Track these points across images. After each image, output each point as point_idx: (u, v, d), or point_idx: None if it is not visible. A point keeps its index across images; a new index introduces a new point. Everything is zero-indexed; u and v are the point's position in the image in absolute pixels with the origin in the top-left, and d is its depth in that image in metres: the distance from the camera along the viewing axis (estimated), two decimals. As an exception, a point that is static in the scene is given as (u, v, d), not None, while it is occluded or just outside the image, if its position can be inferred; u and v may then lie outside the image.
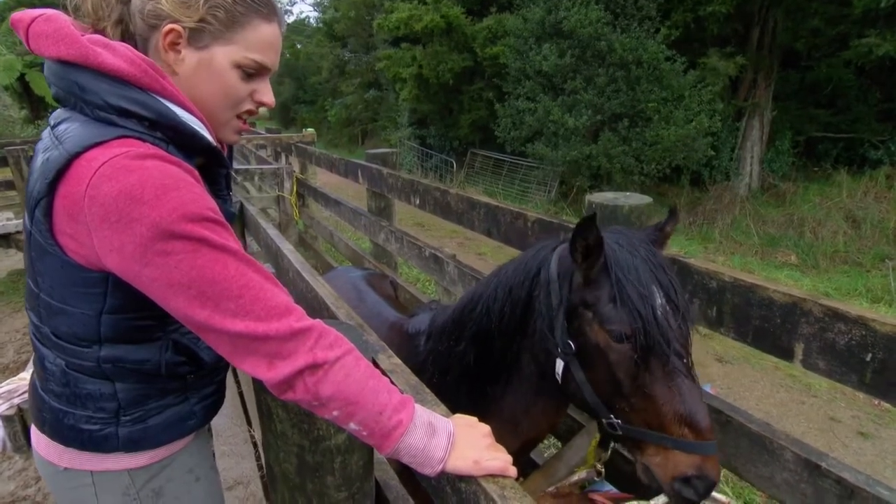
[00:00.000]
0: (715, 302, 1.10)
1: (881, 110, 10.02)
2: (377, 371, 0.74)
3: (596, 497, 1.03)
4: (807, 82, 10.72)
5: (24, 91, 13.47)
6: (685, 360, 0.87)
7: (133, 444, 0.83)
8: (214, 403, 0.96)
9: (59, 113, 0.75)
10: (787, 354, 0.99)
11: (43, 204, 0.68)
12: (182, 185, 0.66)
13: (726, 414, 1.11)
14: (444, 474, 0.70)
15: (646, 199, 1.36)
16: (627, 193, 1.41)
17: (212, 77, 0.77)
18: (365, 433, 0.71)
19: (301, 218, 4.79)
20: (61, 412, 0.81)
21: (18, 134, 12.98)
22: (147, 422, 0.83)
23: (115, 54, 0.71)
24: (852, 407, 3.74)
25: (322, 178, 5.87)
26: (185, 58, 0.75)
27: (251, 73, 0.79)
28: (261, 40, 0.78)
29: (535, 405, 1.09)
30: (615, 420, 0.89)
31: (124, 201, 0.63)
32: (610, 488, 1.13)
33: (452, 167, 12.99)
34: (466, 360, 1.11)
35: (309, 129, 5.76)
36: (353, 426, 0.71)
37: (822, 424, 3.54)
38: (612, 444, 1.02)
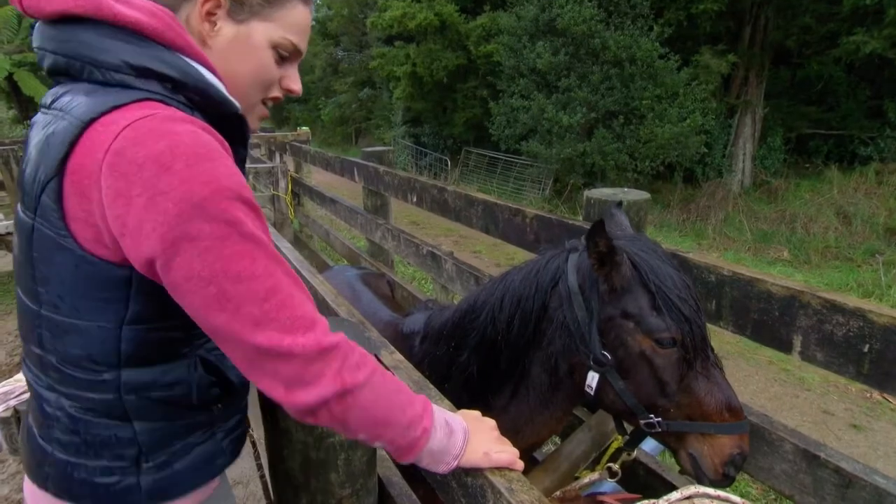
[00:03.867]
0: (714, 296, 1.11)
1: (870, 107, 10.12)
2: (400, 382, 0.68)
3: (605, 499, 1.03)
4: (797, 79, 10.81)
5: (12, 91, 13.29)
6: (714, 351, 0.93)
7: (158, 495, 0.70)
8: (240, 437, 0.83)
9: (55, 90, 0.65)
10: (785, 347, 1.00)
11: (52, 186, 0.58)
12: (216, 155, 0.57)
13: (725, 406, 1.12)
14: (455, 469, 0.70)
15: (644, 195, 1.37)
16: (625, 189, 1.42)
17: (247, 54, 0.69)
18: (390, 448, 0.66)
19: (296, 217, 4.77)
20: (70, 465, 0.68)
21: (7, 134, 12.82)
22: (173, 466, 0.71)
23: (131, 6, 0.62)
24: (845, 400, 3.78)
25: (317, 177, 5.85)
26: (222, 30, 0.68)
27: (285, 55, 0.73)
28: (298, 22, 0.72)
29: (541, 415, 1.08)
30: (655, 419, 0.91)
31: (150, 169, 0.53)
32: (616, 488, 1.14)
33: (447, 165, 12.98)
34: (470, 370, 1.10)
35: (303, 128, 5.72)
36: (378, 444, 0.66)
37: (816, 417, 3.58)
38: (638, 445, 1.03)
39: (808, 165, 10.17)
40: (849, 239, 7.79)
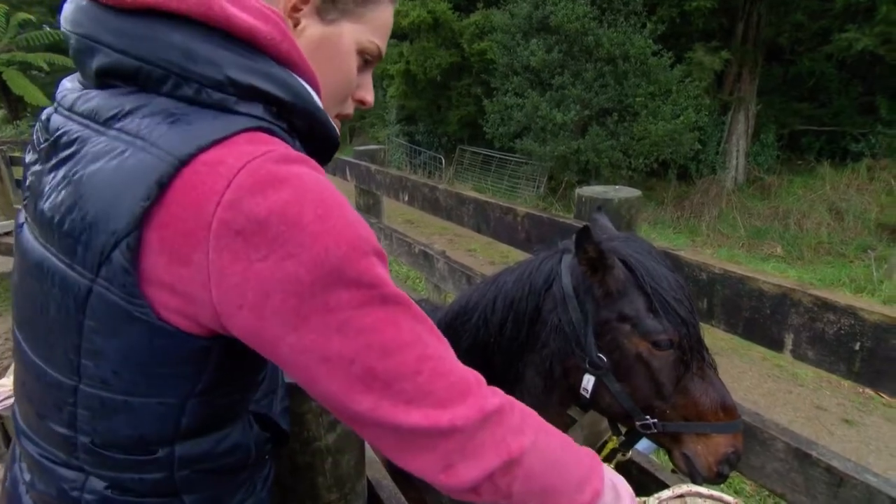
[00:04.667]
0: (705, 294, 1.10)
1: (862, 104, 10.19)
2: (566, 437, 0.60)
3: None
4: (790, 76, 10.87)
5: (1, 90, 13.15)
6: (709, 351, 0.92)
7: None
8: (270, 477, 0.74)
9: (109, 101, 0.49)
10: (777, 345, 1.00)
11: (129, 242, 0.44)
12: (343, 202, 0.47)
13: (717, 405, 1.12)
14: None
15: (635, 193, 1.36)
16: (617, 187, 1.41)
17: (335, 59, 0.59)
18: None
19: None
20: None
21: (-4, 134, 12.69)
22: None
23: (243, 6, 0.49)
24: (837, 395, 3.81)
25: (310, 176, 5.80)
26: (306, 29, 0.57)
27: (369, 60, 0.64)
28: (386, 24, 0.63)
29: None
30: (651, 420, 0.91)
31: (276, 226, 0.42)
32: None
33: (441, 164, 12.96)
34: None
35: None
36: None
37: (809, 413, 3.60)
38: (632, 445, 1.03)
39: (800, 162, 10.24)
40: (841, 235, 7.84)
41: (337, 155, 3.84)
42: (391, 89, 13.23)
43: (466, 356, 1.09)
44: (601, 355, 0.91)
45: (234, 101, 0.48)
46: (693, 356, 0.88)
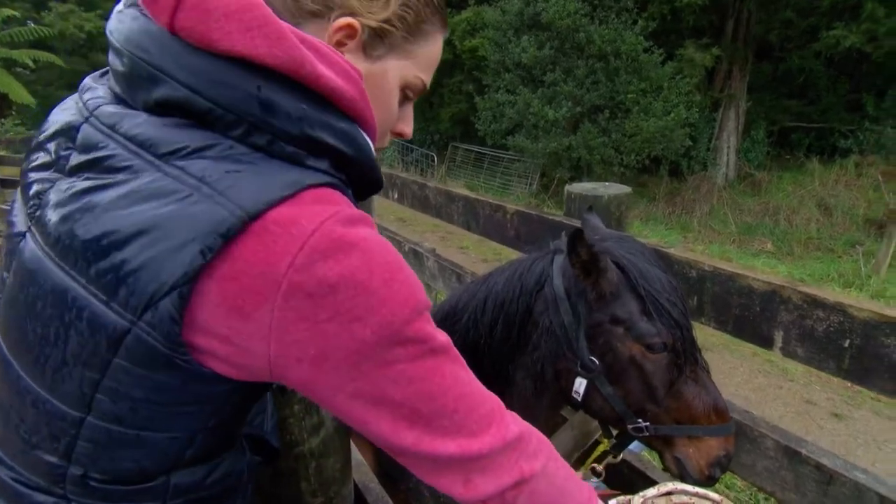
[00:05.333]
0: (695, 291, 1.09)
1: (849, 100, 10.30)
2: (571, 469, 0.65)
3: None
4: (779, 73, 10.96)
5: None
6: (701, 354, 0.91)
7: None
8: (251, 486, 0.73)
9: (166, 131, 0.46)
10: (766, 342, 0.99)
11: (182, 292, 0.43)
12: (402, 263, 0.49)
13: (707, 403, 1.11)
14: None
15: (625, 189, 1.35)
16: (606, 183, 1.40)
17: (377, 98, 0.57)
18: None
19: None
20: None
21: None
22: None
23: (328, 63, 0.49)
24: (826, 390, 3.84)
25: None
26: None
27: (410, 96, 0.62)
28: (434, 56, 0.61)
29: (530, 420, 1.06)
30: (643, 423, 0.90)
31: (345, 292, 0.44)
32: (600, 486, 1.12)
33: (434, 161, 12.93)
34: None
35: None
36: None
37: (799, 407, 3.63)
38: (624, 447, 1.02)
39: (790, 158, 10.33)
40: (830, 230, 7.92)
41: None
42: (383, 86, 13.15)
43: None
44: (593, 358, 0.90)
45: (305, 154, 0.48)
46: (686, 359, 0.88)
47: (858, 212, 8.11)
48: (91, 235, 0.44)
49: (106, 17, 0.55)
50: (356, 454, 1.06)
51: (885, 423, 3.45)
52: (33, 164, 0.53)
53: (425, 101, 13.28)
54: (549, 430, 1.16)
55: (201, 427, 0.52)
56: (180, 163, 0.45)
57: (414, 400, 0.50)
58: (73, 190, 0.47)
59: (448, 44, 11.79)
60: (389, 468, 1.10)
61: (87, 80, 0.56)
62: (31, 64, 12.81)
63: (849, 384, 3.83)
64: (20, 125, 12.32)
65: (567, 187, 1.42)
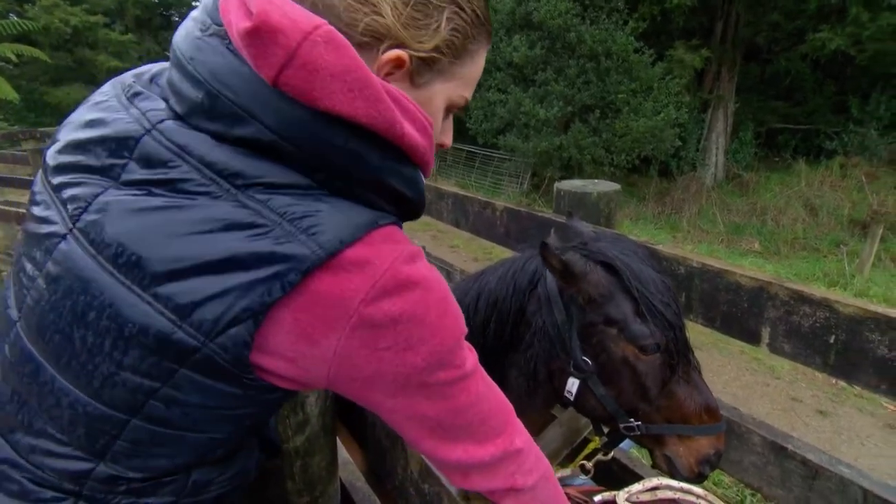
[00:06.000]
0: (683, 288, 1.09)
1: (835, 102, 10.47)
2: (562, 494, 0.69)
3: (568, 490, 1.02)
4: (767, 75, 11.10)
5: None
6: (693, 354, 0.91)
7: None
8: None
9: (245, 161, 0.47)
10: (753, 338, 0.99)
11: (257, 320, 0.45)
12: (451, 297, 0.54)
13: (695, 400, 1.11)
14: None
15: (614, 186, 1.35)
16: (595, 181, 1.40)
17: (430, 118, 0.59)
18: None
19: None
20: None
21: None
22: None
23: (410, 118, 0.51)
24: (812, 387, 3.90)
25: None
26: None
27: (453, 111, 0.63)
28: (479, 72, 0.61)
29: (522, 418, 1.06)
30: (635, 423, 0.90)
31: (405, 324, 0.48)
32: (584, 482, 1.12)
33: (425, 160, 12.90)
34: None
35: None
36: None
37: (785, 405, 3.68)
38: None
39: (777, 159, 10.47)
40: (816, 230, 8.04)
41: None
42: (374, 85, 13.09)
43: None
44: (586, 359, 0.89)
45: (376, 197, 0.51)
46: (679, 359, 0.88)
47: (843, 212, 8.25)
48: (165, 256, 0.45)
49: (174, 29, 0.53)
50: (343, 453, 1.05)
51: (868, 419, 3.51)
52: (73, 161, 0.51)
53: (417, 100, 13.24)
54: (539, 428, 1.16)
55: (238, 428, 0.56)
56: (261, 196, 0.46)
57: (443, 415, 0.55)
58: (140, 205, 0.46)
59: (440, 42, 11.80)
60: (376, 467, 1.08)
61: (136, 84, 0.54)
62: (13, 58, 12.55)
63: (834, 381, 3.89)
64: (2, 121, 12.08)
65: (556, 185, 1.42)
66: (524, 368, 0.97)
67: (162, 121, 0.49)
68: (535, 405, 1.01)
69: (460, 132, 12.11)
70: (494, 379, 1.03)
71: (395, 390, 0.51)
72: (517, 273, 0.98)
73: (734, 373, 4.10)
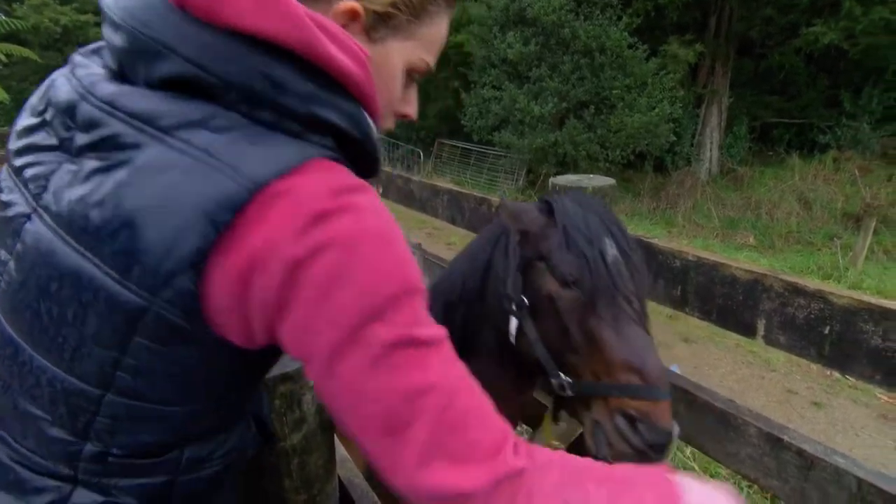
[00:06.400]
0: (679, 281, 1.10)
1: (828, 97, 10.51)
2: (622, 471, 0.52)
3: None
4: (761, 70, 11.13)
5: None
6: (634, 306, 0.84)
7: None
8: (235, 478, 0.70)
9: (169, 104, 0.45)
10: (749, 331, 1.00)
11: (198, 268, 0.43)
12: (399, 237, 0.47)
13: (692, 393, 1.12)
14: None
15: (609, 181, 1.35)
16: (591, 175, 1.40)
17: (381, 80, 0.56)
18: None
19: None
20: None
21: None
22: None
23: (339, 45, 0.48)
24: (807, 379, 3.93)
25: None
26: None
27: (415, 78, 0.61)
28: (439, 38, 0.60)
29: (501, 380, 1.05)
30: (565, 379, 0.86)
31: (332, 256, 0.43)
32: None
33: (420, 158, 12.88)
34: None
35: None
36: None
37: (780, 397, 3.70)
38: (561, 413, 1.02)
39: (771, 153, 10.51)
40: (809, 224, 8.09)
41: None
42: (368, 82, 13.05)
43: (439, 316, 1.09)
44: (524, 297, 0.90)
45: (310, 132, 0.48)
46: (598, 299, 0.82)
47: (836, 206, 8.30)
48: (104, 215, 0.44)
49: (84, 11, 0.53)
50: (341, 450, 1.04)
51: (862, 410, 3.54)
52: (30, 143, 0.51)
53: (411, 97, 13.21)
54: (520, 396, 1.15)
55: (218, 399, 0.53)
56: (185, 134, 0.44)
57: (389, 395, 0.44)
58: (84, 171, 0.46)
59: (434, 39, 11.77)
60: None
61: (77, 57, 0.54)
62: (3, 59, 12.42)
63: (828, 373, 3.92)
64: (-7, 121, 11.95)
65: (552, 179, 1.42)
66: (493, 321, 0.99)
67: (94, 83, 0.49)
68: (509, 364, 0.99)
69: (455, 129, 12.11)
70: (469, 334, 1.03)
71: (330, 346, 0.44)
72: (493, 227, 1.05)
73: (730, 366, 4.12)
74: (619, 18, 9.15)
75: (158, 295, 0.44)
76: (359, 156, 0.53)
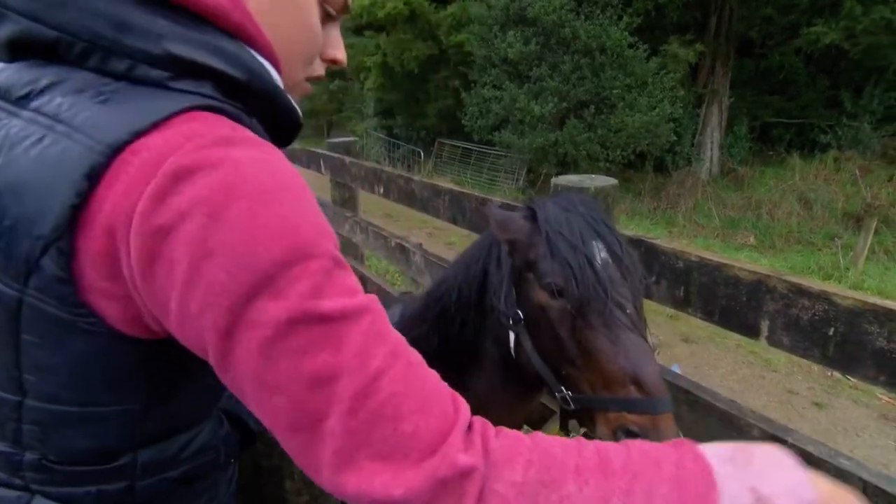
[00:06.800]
0: (682, 282, 1.09)
1: (828, 97, 10.50)
2: (626, 460, 0.42)
3: None
4: (761, 70, 11.12)
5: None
6: (628, 312, 0.80)
7: None
8: (234, 481, 0.67)
9: (20, 74, 0.42)
10: (752, 332, 0.99)
11: (60, 247, 0.38)
12: (292, 194, 0.40)
13: (694, 394, 1.11)
14: None
15: (611, 181, 1.34)
16: (593, 176, 1.39)
17: (293, 13, 0.50)
18: None
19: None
20: None
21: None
22: None
23: None
24: (808, 379, 3.92)
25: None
26: None
27: (332, 13, 0.55)
28: None
29: (506, 392, 1.05)
30: (566, 392, 0.83)
31: (197, 219, 0.36)
32: None
33: (420, 157, 12.87)
34: (431, 343, 1.06)
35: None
36: None
37: (781, 397, 3.70)
38: (569, 425, 1.01)
39: (771, 153, 10.50)
40: (810, 224, 8.08)
41: (313, 148, 3.75)
42: (368, 82, 13.06)
43: (434, 326, 1.05)
44: (519, 311, 0.88)
45: (175, 78, 0.41)
46: (588, 307, 0.79)
47: (837, 206, 8.29)
48: None
49: None
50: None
51: (862, 410, 3.53)
52: None
53: (411, 97, 13.21)
54: (526, 405, 1.14)
55: (151, 397, 0.47)
56: (34, 104, 0.40)
57: (292, 383, 0.37)
58: None
59: (433, 38, 11.78)
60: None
61: None
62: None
63: (829, 373, 3.91)
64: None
65: (553, 180, 1.41)
66: (493, 332, 0.96)
67: None
68: (511, 375, 0.97)
69: (455, 129, 12.10)
70: (469, 344, 1.01)
71: (214, 333, 0.37)
72: (487, 236, 1.01)
73: (731, 366, 4.12)
74: (620, 18, 9.14)
75: (28, 284, 0.39)
76: (263, 106, 0.47)
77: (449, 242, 6.86)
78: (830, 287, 0.89)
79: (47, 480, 0.48)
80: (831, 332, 0.88)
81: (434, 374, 0.44)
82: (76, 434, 0.46)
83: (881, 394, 3.63)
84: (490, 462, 0.39)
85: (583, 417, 0.84)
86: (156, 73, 0.41)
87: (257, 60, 0.46)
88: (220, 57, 0.43)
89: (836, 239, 7.35)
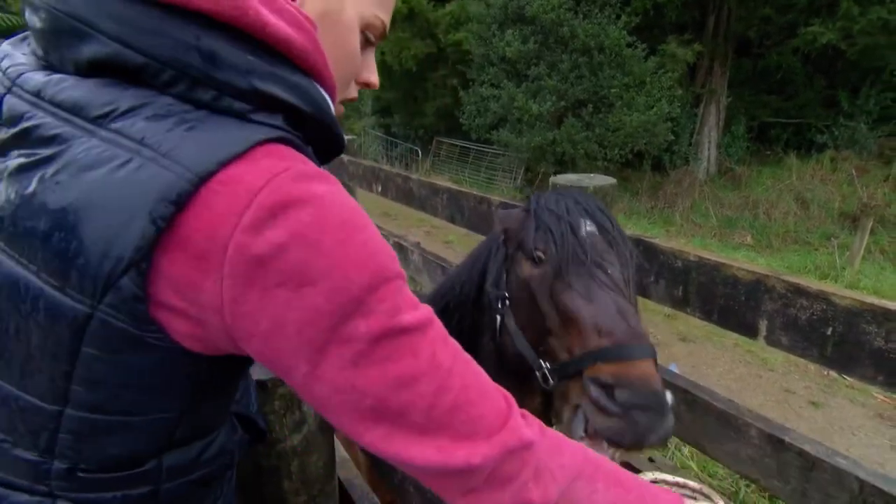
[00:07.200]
0: (681, 281, 1.09)
1: (825, 97, 10.54)
2: (636, 481, 0.52)
3: None
4: (759, 69, 11.15)
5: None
6: (610, 272, 0.80)
7: None
8: (233, 478, 0.69)
9: (97, 92, 0.42)
10: (751, 331, 0.99)
11: (140, 268, 0.39)
12: (366, 224, 0.44)
13: (692, 393, 1.12)
14: None
15: (610, 181, 1.34)
16: (591, 175, 1.39)
17: (338, 38, 0.53)
18: None
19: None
20: None
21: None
22: None
23: (276, 10, 0.44)
24: (805, 379, 3.94)
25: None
26: (305, 4, 0.50)
27: (371, 40, 0.58)
28: None
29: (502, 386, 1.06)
30: (546, 367, 0.82)
31: (294, 251, 0.39)
32: None
33: (418, 156, 12.86)
34: None
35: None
36: None
37: (778, 396, 3.72)
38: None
39: (769, 153, 10.53)
40: (807, 223, 8.11)
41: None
42: (366, 80, 13.02)
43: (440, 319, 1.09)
44: (506, 293, 0.91)
45: (255, 110, 0.44)
46: (569, 269, 0.80)
47: (833, 205, 8.32)
48: (34, 217, 0.41)
49: None
50: (340, 451, 1.04)
51: (859, 410, 3.55)
52: None
53: (409, 96, 13.19)
54: (522, 402, 1.15)
55: (188, 406, 0.50)
56: (115, 125, 0.40)
57: (379, 387, 0.42)
58: (8, 170, 0.42)
59: (432, 37, 11.75)
60: (375, 464, 1.08)
61: (5, 46, 0.50)
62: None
63: (826, 372, 3.93)
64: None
65: (552, 179, 1.41)
66: (490, 327, 0.98)
67: (21, 74, 0.45)
68: (507, 371, 0.96)
69: (453, 127, 12.09)
70: (471, 339, 1.00)
71: (309, 349, 0.41)
72: (489, 238, 1.06)
73: (728, 365, 4.13)
74: (618, 17, 9.15)
75: (101, 300, 0.40)
76: (318, 134, 0.50)
77: (447, 241, 6.86)
78: (829, 287, 0.90)
79: (74, 487, 0.49)
80: (829, 331, 0.88)
81: (480, 367, 0.51)
82: (111, 442, 0.47)
83: (877, 393, 3.65)
84: (546, 443, 0.48)
85: (560, 403, 0.81)
86: (239, 105, 0.43)
87: (321, 94, 0.49)
88: (294, 92, 0.46)
89: (832, 238, 7.38)
